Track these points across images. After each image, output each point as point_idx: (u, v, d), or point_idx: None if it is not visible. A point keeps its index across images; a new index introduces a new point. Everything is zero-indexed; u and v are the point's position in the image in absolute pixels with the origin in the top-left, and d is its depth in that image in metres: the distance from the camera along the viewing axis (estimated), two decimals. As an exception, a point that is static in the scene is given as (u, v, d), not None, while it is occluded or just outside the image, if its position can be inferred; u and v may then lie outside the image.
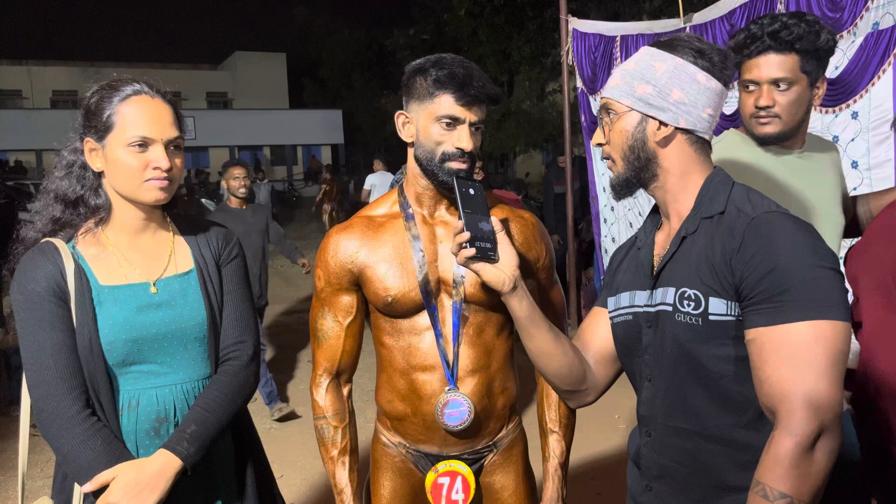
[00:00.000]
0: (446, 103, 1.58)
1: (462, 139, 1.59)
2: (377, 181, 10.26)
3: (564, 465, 1.80)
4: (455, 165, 1.60)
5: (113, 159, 1.56)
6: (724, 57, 1.37)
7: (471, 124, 1.60)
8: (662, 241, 1.46)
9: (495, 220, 1.48)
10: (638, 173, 1.41)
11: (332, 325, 1.75)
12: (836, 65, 3.79)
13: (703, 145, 1.41)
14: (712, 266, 1.28)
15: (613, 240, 6.06)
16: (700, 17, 4.74)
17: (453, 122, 1.59)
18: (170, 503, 1.52)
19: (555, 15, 9.53)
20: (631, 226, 5.71)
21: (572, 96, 6.27)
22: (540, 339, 1.50)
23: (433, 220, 1.73)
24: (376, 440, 1.84)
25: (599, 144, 1.46)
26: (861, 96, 3.69)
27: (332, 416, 1.76)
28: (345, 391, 1.80)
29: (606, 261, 6.22)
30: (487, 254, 1.44)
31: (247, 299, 1.76)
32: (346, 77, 31.02)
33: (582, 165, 6.75)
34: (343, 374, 1.79)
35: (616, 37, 5.51)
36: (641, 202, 5.46)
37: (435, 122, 1.60)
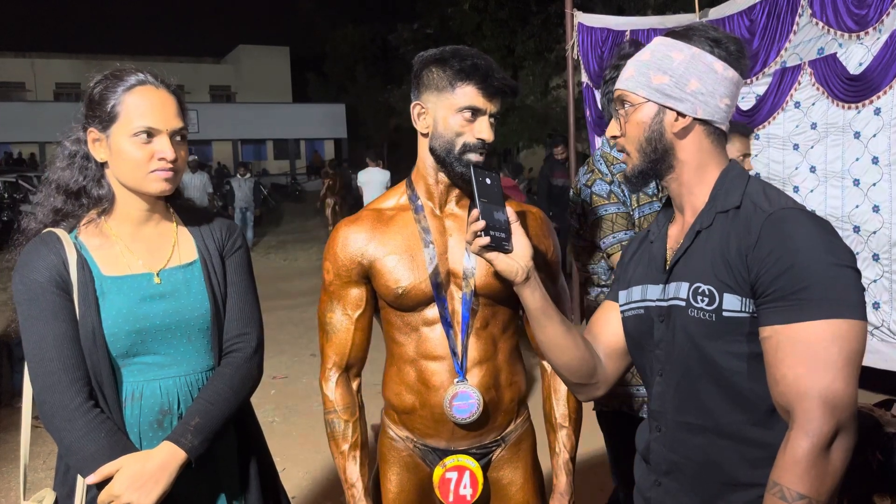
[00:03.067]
0: (470, 94, 1.59)
1: (483, 130, 1.60)
2: (364, 178, 10.99)
3: (573, 459, 1.79)
4: (475, 157, 1.61)
5: (117, 150, 1.55)
6: (739, 46, 1.35)
7: (490, 115, 1.61)
8: (676, 235, 1.44)
9: (510, 211, 1.47)
10: (654, 165, 1.39)
11: (342, 318, 1.73)
12: (861, 61, 3.78)
13: (720, 137, 1.39)
14: (727, 262, 1.26)
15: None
16: (716, 12, 4.71)
17: (475, 112, 1.59)
18: (173, 496, 1.52)
19: (559, 10, 9.49)
20: (636, 221, 5.70)
21: (577, 91, 6.24)
22: (552, 331, 1.49)
23: (442, 213, 1.72)
24: (383, 435, 1.82)
25: (615, 137, 1.44)
26: (885, 92, 3.69)
27: (343, 411, 1.75)
28: (354, 385, 1.79)
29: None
30: (502, 243, 1.43)
31: (251, 291, 1.74)
32: (349, 71, 30.92)
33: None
34: (352, 368, 1.78)
35: (626, 31, 5.47)
36: (647, 197, 5.44)
37: (456, 114, 1.60)
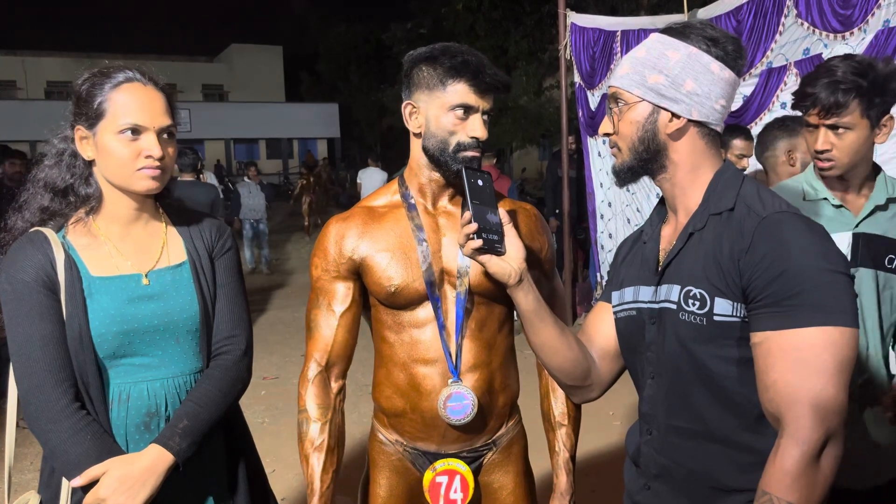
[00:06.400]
0: (461, 91, 1.57)
1: (476, 128, 1.58)
2: (363, 177, 11.56)
3: (573, 458, 1.77)
4: (469, 154, 1.59)
5: (104, 147, 1.53)
6: (737, 46, 1.34)
7: (483, 112, 1.59)
8: (669, 236, 1.43)
9: (503, 212, 1.46)
10: (645, 164, 1.38)
11: (326, 314, 1.69)
12: (846, 61, 3.80)
13: (714, 138, 1.38)
14: (719, 265, 1.25)
15: (610, 235, 6.04)
16: (705, 13, 4.73)
17: (467, 110, 1.57)
18: (160, 499, 1.50)
19: (552, 10, 9.49)
20: (629, 222, 5.70)
21: (570, 91, 6.24)
22: (545, 333, 1.48)
23: (436, 211, 1.70)
24: (373, 438, 1.80)
25: (607, 134, 1.43)
26: None
27: (313, 410, 1.67)
28: (334, 387, 1.71)
29: (603, 257, 6.20)
30: (494, 246, 1.42)
31: (240, 293, 1.72)
32: (342, 71, 30.93)
33: (580, 158, 6.70)
34: (334, 368, 1.71)
35: (617, 32, 5.48)
36: (640, 198, 5.45)
37: (448, 112, 1.58)
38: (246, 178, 11.13)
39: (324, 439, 1.66)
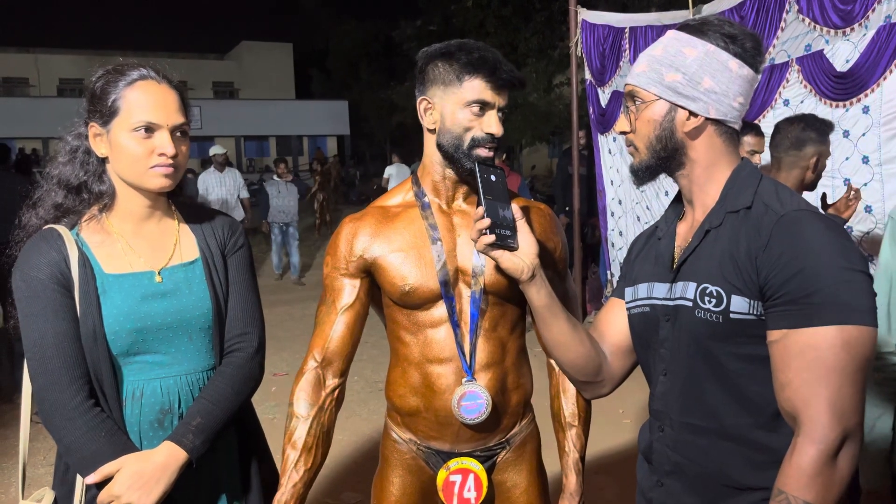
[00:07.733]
0: (478, 88, 1.57)
1: (492, 124, 1.58)
2: (394, 171, 12.52)
3: (583, 458, 1.76)
4: (483, 152, 1.59)
5: (117, 145, 1.53)
6: (755, 42, 1.32)
7: (498, 109, 1.59)
8: (684, 233, 1.42)
9: (516, 208, 1.46)
10: (663, 162, 1.38)
11: (329, 310, 1.69)
12: (848, 58, 3.76)
13: (732, 136, 1.37)
14: (736, 263, 1.24)
15: (621, 233, 6.02)
16: (709, 8, 4.70)
17: (483, 106, 1.57)
18: (174, 496, 1.51)
19: (562, 7, 9.47)
20: (638, 219, 5.68)
21: (580, 89, 6.21)
22: (557, 330, 1.48)
23: (450, 210, 1.70)
24: (386, 436, 1.80)
25: (624, 132, 1.42)
26: (872, 90, 3.66)
27: (299, 406, 1.66)
28: (329, 384, 1.68)
29: (613, 254, 6.18)
30: (507, 241, 1.42)
31: (252, 290, 1.73)
32: (352, 68, 30.99)
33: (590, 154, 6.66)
34: (331, 365, 1.68)
35: (625, 28, 5.46)
36: (649, 195, 5.42)
37: (464, 108, 1.58)
38: (275, 177, 9.89)
39: (302, 436, 1.64)
